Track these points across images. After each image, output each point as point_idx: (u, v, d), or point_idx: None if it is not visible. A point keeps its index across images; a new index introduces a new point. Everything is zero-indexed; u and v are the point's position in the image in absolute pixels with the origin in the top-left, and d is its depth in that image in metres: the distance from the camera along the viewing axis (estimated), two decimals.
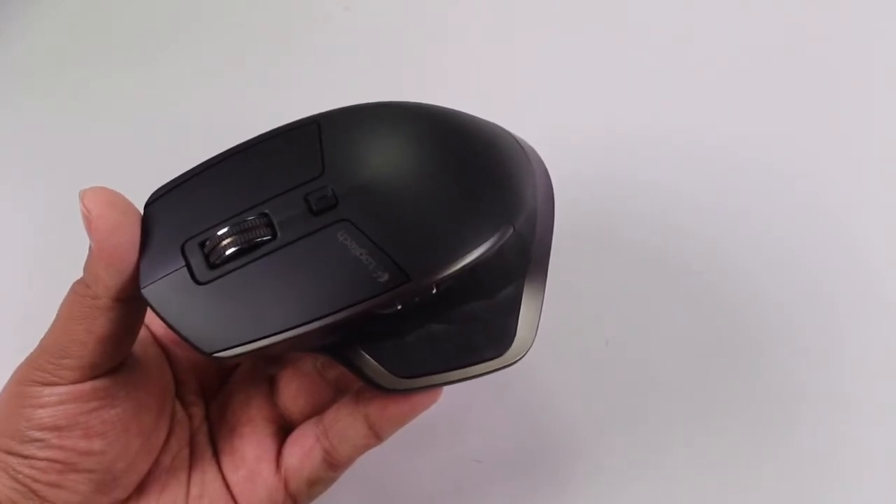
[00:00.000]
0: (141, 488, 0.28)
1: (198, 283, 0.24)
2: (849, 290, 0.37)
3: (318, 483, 0.29)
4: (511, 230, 0.25)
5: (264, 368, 0.32)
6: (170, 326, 0.24)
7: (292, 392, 0.30)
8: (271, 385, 0.31)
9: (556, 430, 0.36)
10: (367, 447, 0.29)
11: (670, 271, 0.38)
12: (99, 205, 0.24)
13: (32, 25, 0.45)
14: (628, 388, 0.36)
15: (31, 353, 0.26)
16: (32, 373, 0.25)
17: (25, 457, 0.25)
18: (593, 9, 0.45)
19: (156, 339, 0.30)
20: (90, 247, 0.24)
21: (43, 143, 0.42)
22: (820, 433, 0.35)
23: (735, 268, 0.38)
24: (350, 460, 0.29)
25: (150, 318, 0.27)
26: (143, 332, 0.29)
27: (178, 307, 0.24)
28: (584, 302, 0.37)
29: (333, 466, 0.29)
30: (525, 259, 0.27)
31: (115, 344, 0.25)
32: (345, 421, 0.28)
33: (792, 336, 0.37)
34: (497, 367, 0.26)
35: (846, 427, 0.35)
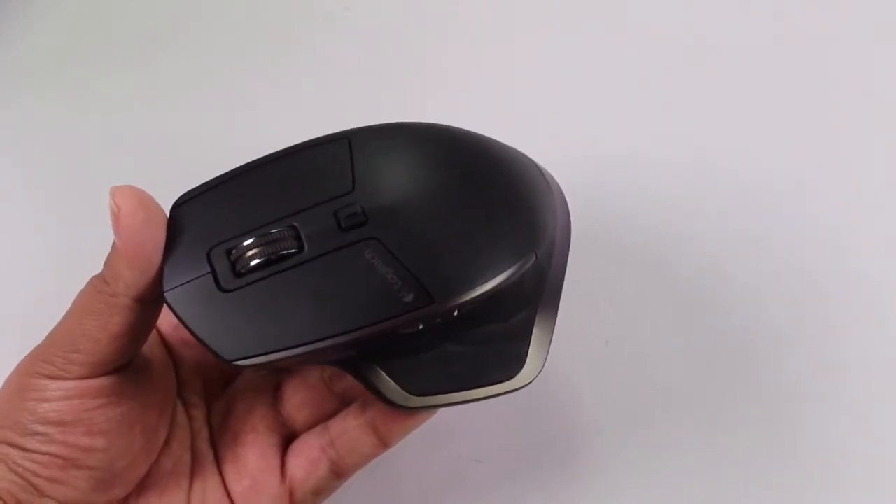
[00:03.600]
0: (141, 489, 0.28)
1: (222, 290, 0.24)
2: (844, 292, 0.38)
3: (323, 492, 0.30)
4: (533, 258, 0.26)
5: (270, 376, 0.32)
6: (191, 332, 0.24)
7: (297, 402, 0.31)
8: (275, 393, 0.31)
9: (556, 430, 0.36)
10: (375, 455, 0.29)
11: (670, 272, 0.39)
12: (129, 202, 0.24)
13: (32, 25, 0.45)
14: (628, 388, 0.37)
15: (39, 345, 0.26)
16: (39, 365, 0.25)
17: (27, 450, 0.25)
18: (594, 12, 0.45)
19: (162, 339, 0.30)
20: (114, 243, 0.25)
21: (43, 144, 0.42)
22: (819, 432, 0.36)
23: (733, 269, 0.39)
24: (357, 469, 0.29)
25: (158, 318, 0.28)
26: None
27: (199, 313, 0.24)
28: (584, 302, 0.37)
29: (340, 476, 0.29)
30: (541, 286, 0.28)
31: (127, 343, 0.25)
32: (353, 432, 0.29)
33: (790, 336, 0.38)
34: (506, 390, 0.27)
35: (844, 425, 0.36)
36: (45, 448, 0.25)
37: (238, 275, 0.24)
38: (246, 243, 0.25)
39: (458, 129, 0.28)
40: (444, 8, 0.45)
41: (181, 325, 0.24)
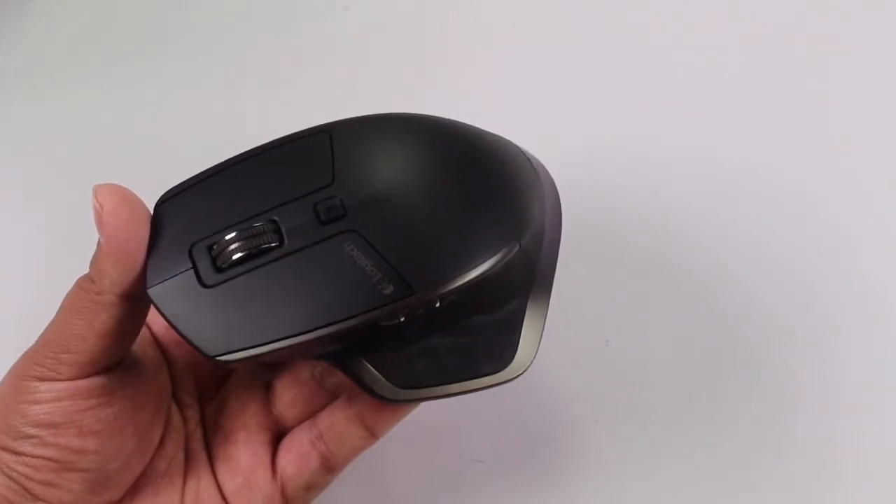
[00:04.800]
0: (135, 491, 0.28)
1: (204, 286, 0.24)
2: (845, 291, 0.38)
3: (315, 487, 0.30)
4: (517, 247, 0.26)
5: (261, 375, 0.32)
6: (174, 328, 0.24)
7: (289, 399, 0.31)
8: (267, 391, 0.31)
9: (556, 430, 0.36)
10: (365, 447, 0.29)
11: (670, 273, 0.39)
12: (111, 200, 0.24)
13: (32, 25, 0.45)
14: (628, 389, 0.37)
15: (30, 348, 0.26)
16: (30, 367, 0.26)
17: (20, 454, 0.25)
18: (594, 8, 0.45)
19: (155, 340, 0.30)
20: (98, 242, 0.25)
21: (43, 144, 0.43)
22: (817, 432, 0.36)
23: (733, 270, 0.39)
24: (347, 462, 0.29)
25: (150, 318, 0.28)
26: (142, 332, 0.29)
27: (182, 309, 0.24)
28: (584, 302, 0.38)
29: (331, 470, 0.29)
30: (530, 276, 0.27)
31: (115, 341, 0.26)
32: (341, 425, 0.29)
33: (790, 335, 0.37)
34: (496, 382, 0.27)
35: (844, 425, 0.36)
36: (37, 451, 0.25)
37: (219, 270, 0.25)
38: (227, 238, 0.25)
39: (439, 118, 0.28)
40: (444, 8, 0.46)
41: None
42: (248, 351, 0.24)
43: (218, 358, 0.24)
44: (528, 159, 0.28)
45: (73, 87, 0.44)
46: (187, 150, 0.41)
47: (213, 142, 0.40)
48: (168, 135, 0.42)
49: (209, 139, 0.41)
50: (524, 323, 0.27)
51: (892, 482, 0.35)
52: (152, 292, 0.24)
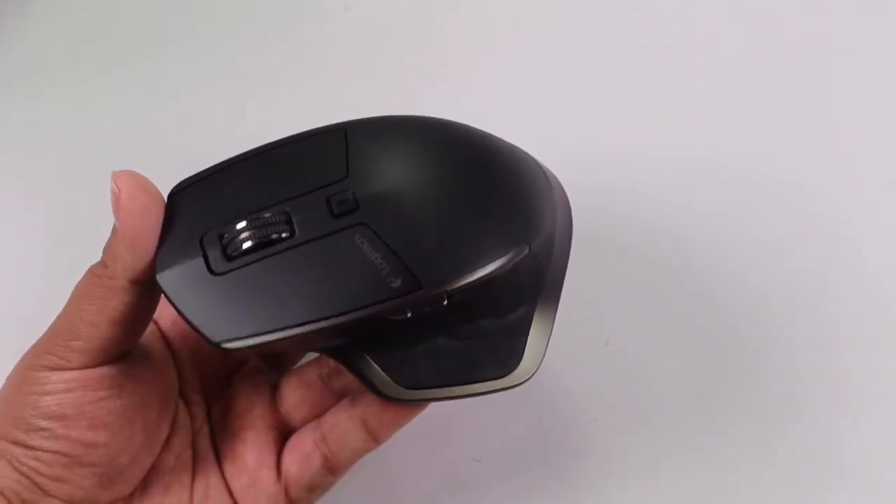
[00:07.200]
0: (145, 486, 0.28)
1: (213, 273, 0.25)
2: (846, 292, 0.38)
3: (317, 488, 0.30)
4: (527, 250, 0.26)
5: (268, 374, 0.32)
6: (180, 313, 0.25)
7: (296, 400, 0.31)
8: (274, 392, 0.32)
9: (556, 429, 0.37)
10: (366, 451, 0.30)
11: (670, 272, 0.39)
12: (129, 186, 0.25)
13: (32, 25, 0.45)
14: (628, 388, 0.37)
15: (40, 338, 0.27)
16: (40, 357, 0.26)
17: (30, 447, 0.25)
18: (594, 10, 0.45)
19: (162, 335, 0.31)
20: (114, 227, 0.26)
21: (42, 144, 0.43)
22: (818, 431, 0.36)
23: (734, 269, 0.39)
24: (349, 464, 0.30)
25: (157, 313, 0.28)
26: (150, 327, 0.29)
27: (190, 296, 0.25)
28: (584, 302, 0.38)
29: (332, 471, 0.30)
30: (539, 282, 0.28)
31: (125, 328, 0.26)
32: (343, 426, 0.29)
33: (790, 336, 0.38)
34: (501, 387, 0.27)
35: (843, 426, 0.36)
36: (47, 444, 0.25)
37: (229, 259, 0.25)
38: (237, 227, 0.25)
39: (455, 122, 0.28)
40: (444, 9, 0.46)
41: (179, 320, 0.25)
42: (252, 339, 0.24)
43: (222, 345, 0.24)
44: (543, 171, 0.29)
45: (73, 87, 0.44)
46: (187, 149, 0.41)
47: (214, 142, 0.40)
48: (168, 135, 0.42)
49: (209, 139, 0.41)
50: (531, 329, 0.27)
51: (892, 482, 0.35)
52: (161, 278, 0.25)
